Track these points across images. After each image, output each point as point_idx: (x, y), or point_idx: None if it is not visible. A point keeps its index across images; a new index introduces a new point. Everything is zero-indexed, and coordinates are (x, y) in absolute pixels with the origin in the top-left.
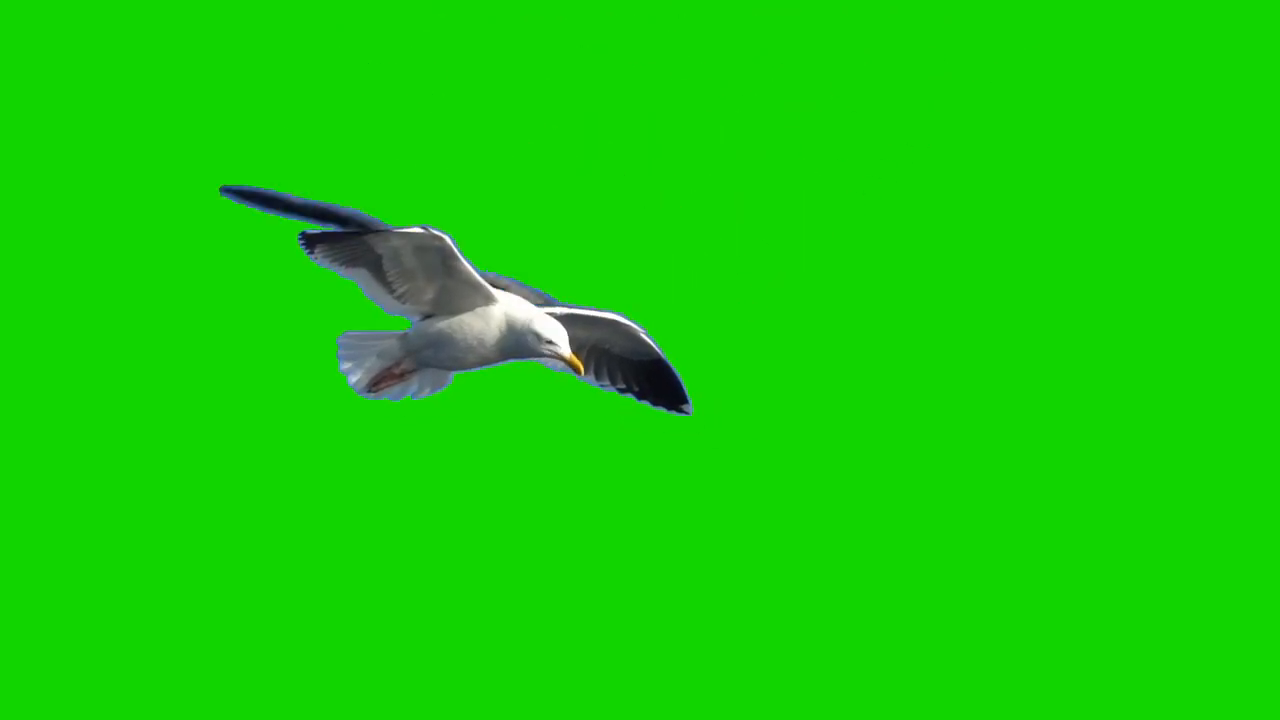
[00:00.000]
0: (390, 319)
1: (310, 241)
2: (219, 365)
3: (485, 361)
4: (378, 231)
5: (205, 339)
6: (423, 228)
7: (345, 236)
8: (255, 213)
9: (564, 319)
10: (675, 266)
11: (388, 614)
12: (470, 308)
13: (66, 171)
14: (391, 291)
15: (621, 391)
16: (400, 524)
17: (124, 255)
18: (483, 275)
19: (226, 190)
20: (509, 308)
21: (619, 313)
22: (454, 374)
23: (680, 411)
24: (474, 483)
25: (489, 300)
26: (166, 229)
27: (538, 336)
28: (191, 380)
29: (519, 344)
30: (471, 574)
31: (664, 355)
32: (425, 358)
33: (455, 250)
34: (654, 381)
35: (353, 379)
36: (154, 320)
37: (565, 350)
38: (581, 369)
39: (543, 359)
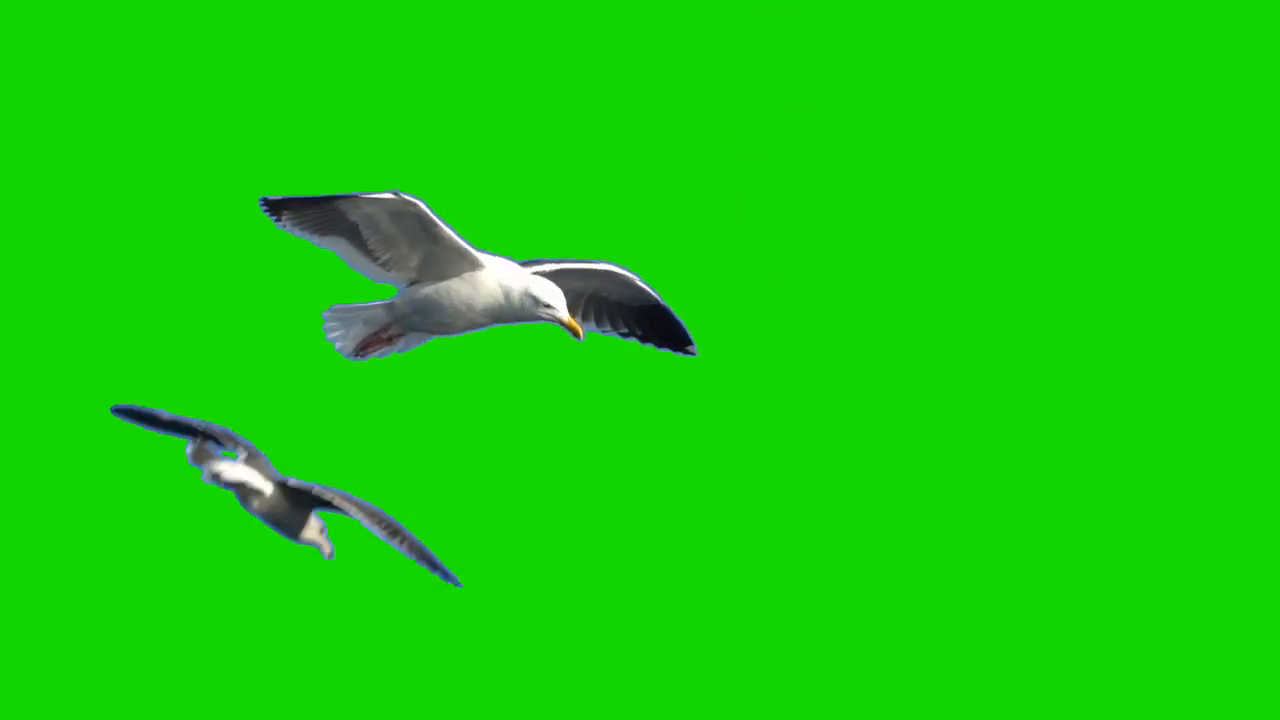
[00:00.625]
0: (377, 291)
1: (275, 206)
2: (204, 350)
3: (474, 326)
4: (346, 196)
5: (190, 328)
6: (393, 193)
7: (313, 201)
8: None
9: (555, 275)
10: (670, 221)
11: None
12: (458, 273)
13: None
14: (375, 259)
15: (624, 336)
16: (407, 486)
17: (112, 244)
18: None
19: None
20: (499, 272)
21: (611, 262)
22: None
23: (686, 353)
24: (473, 438)
25: (476, 265)
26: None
27: (535, 300)
28: (177, 366)
29: (512, 309)
30: (476, 534)
31: (662, 299)
32: (413, 323)
33: (432, 215)
34: (655, 326)
35: (339, 344)
36: (138, 309)
37: (564, 313)
38: (581, 333)
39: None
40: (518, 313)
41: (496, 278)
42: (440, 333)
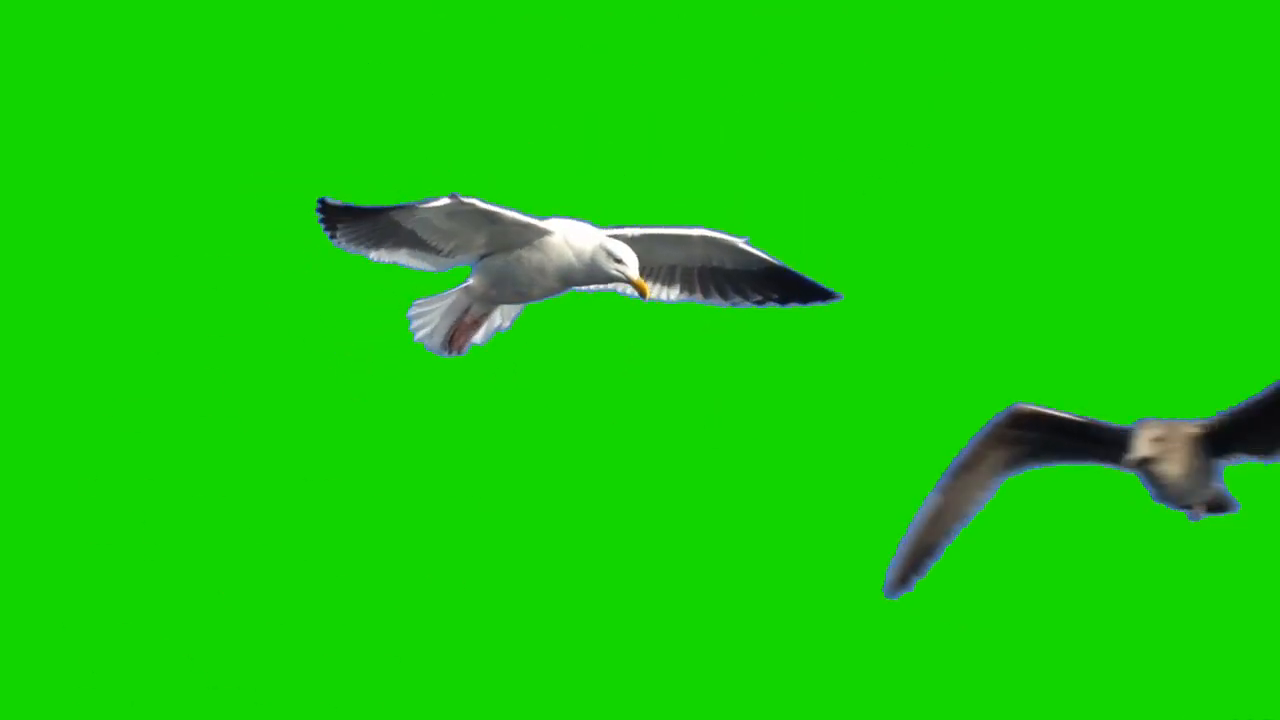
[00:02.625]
0: (450, 280)
1: (331, 218)
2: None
3: (549, 292)
4: (403, 207)
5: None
6: (451, 197)
7: (368, 213)
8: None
9: (645, 239)
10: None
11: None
12: (526, 243)
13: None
14: (439, 253)
15: (760, 304)
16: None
17: (154, 250)
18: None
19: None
20: (568, 234)
21: (705, 227)
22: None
23: (832, 299)
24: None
25: (544, 232)
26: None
27: (608, 254)
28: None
29: (584, 270)
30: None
31: (778, 260)
32: (491, 298)
33: (490, 207)
34: (786, 286)
35: (430, 343)
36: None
37: (634, 271)
38: (647, 291)
39: (611, 285)
40: (589, 273)
41: (566, 239)
42: (519, 302)
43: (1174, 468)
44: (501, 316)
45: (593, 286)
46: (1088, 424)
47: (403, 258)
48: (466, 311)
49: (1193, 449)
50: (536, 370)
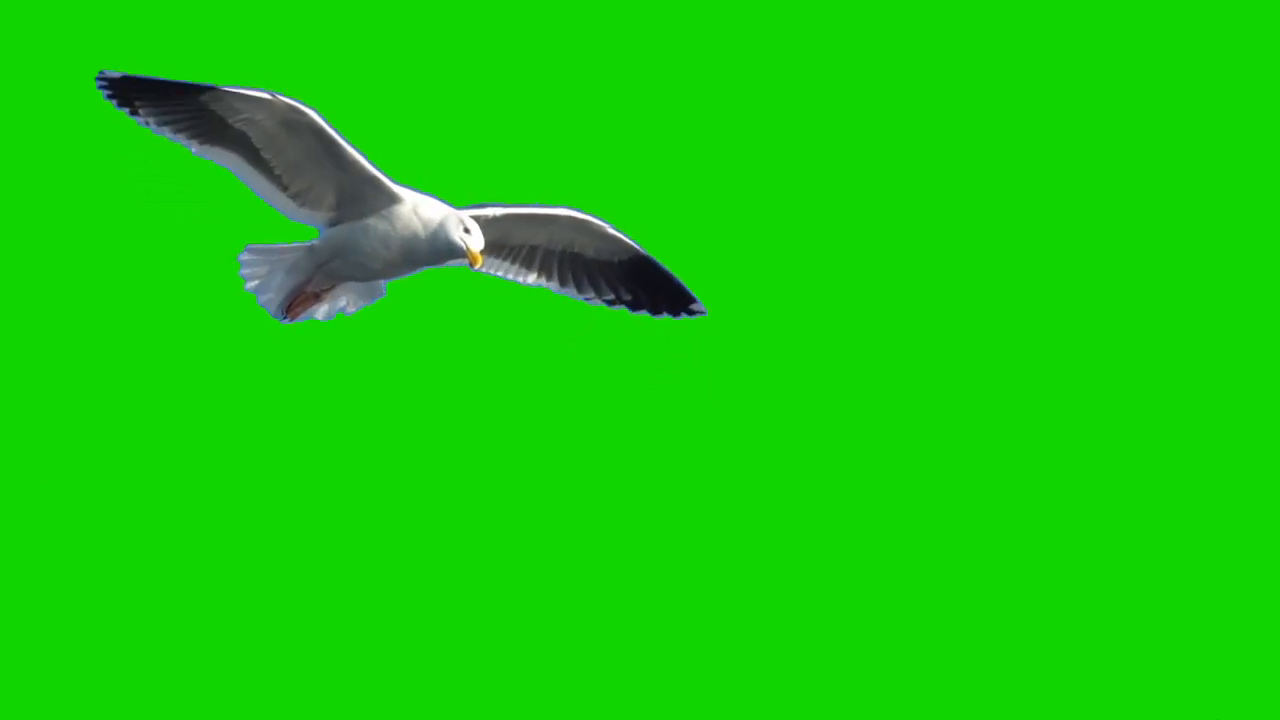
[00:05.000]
0: (301, 232)
1: (121, 90)
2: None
3: (393, 269)
4: (207, 87)
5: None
6: (268, 92)
7: (166, 87)
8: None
9: (505, 220)
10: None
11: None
12: (375, 209)
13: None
14: (285, 189)
15: (611, 304)
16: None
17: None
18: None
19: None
20: (418, 204)
21: (570, 207)
22: (384, 284)
23: (692, 313)
24: (437, 408)
25: (394, 199)
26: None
27: (459, 221)
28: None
29: (428, 241)
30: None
31: (645, 250)
32: (335, 269)
33: (329, 129)
34: (646, 284)
35: (263, 298)
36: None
37: (477, 243)
38: (479, 261)
39: (457, 261)
40: (432, 246)
41: (415, 209)
42: (363, 277)
43: None
44: (348, 299)
45: (437, 265)
46: None
47: (237, 167)
48: (310, 278)
49: None
50: (381, 350)
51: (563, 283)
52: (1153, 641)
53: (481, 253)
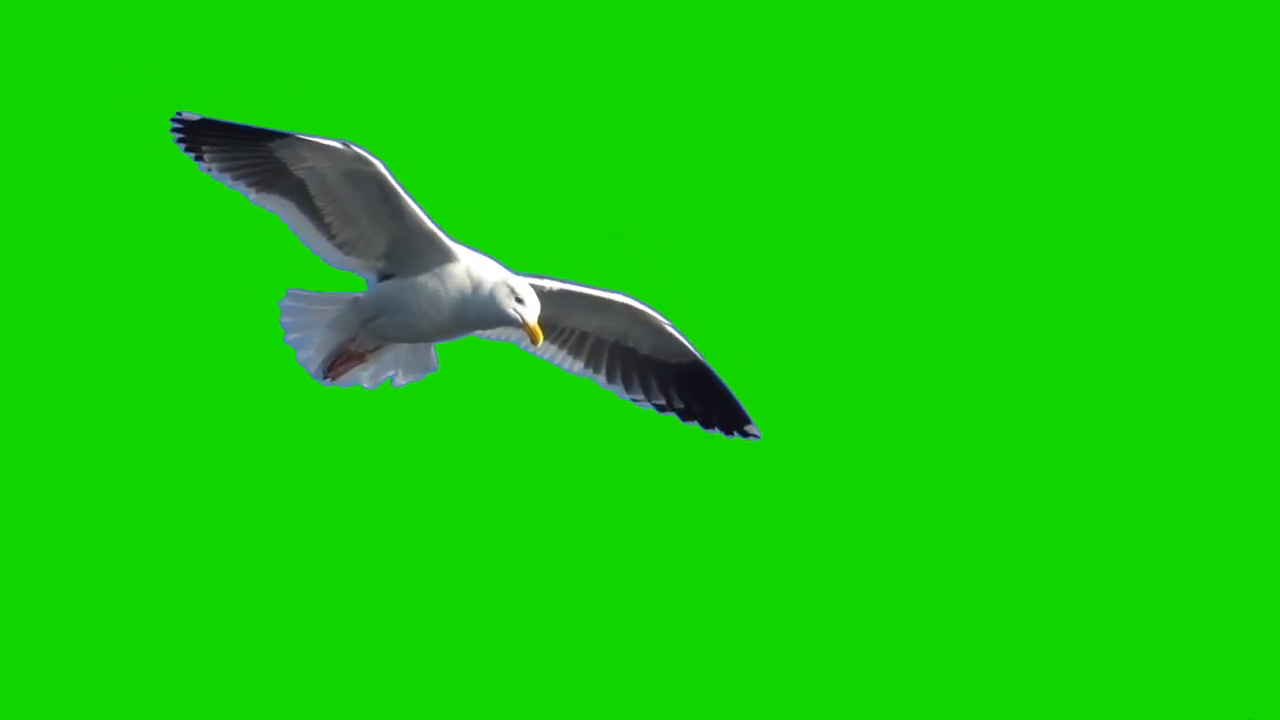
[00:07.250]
0: (347, 281)
1: (192, 133)
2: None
3: (441, 331)
4: (280, 134)
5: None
6: (342, 142)
7: (239, 132)
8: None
9: (558, 296)
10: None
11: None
12: (428, 267)
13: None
14: (332, 237)
15: (661, 409)
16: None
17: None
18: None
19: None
20: (472, 264)
21: (628, 294)
22: (436, 356)
23: (746, 435)
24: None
25: (448, 258)
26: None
27: (510, 290)
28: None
29: (479, 305)
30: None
31: (703, 357)
32: (380, 327)
33: (393, 181)
34: (699, 393)
35: (302, 355)
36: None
37: (532, 314)
38: (540, 337)
39: (508, 335)
40: (483, 310)
41: (468, 269)
42: (409, 338)
43: None
44: (397, 368)
45: (488, 333)
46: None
47: (289, 214)
48: (354, 337)
49: None
50: (408, 421)
51: (610, 378)
52: (1153, 641)
53: (541, 326)
